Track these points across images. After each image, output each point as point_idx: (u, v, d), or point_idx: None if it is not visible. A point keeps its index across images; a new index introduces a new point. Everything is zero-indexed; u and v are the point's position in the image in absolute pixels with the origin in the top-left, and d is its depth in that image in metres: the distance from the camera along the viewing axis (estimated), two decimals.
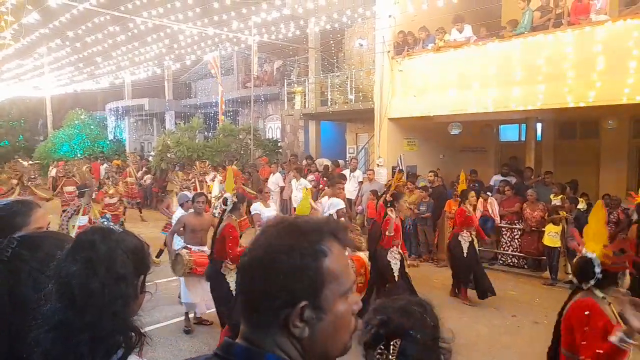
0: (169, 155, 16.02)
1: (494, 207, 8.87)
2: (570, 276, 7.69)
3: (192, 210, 6.26)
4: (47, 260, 1.26)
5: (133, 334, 1.21)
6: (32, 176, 9.81)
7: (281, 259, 0.93)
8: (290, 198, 11.63)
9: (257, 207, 7.11)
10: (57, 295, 1.14)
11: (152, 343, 4.56)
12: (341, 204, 5.59)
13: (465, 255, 6.82)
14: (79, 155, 21.22)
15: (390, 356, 1.28)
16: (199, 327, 5.74)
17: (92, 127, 24.12)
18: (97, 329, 1.13)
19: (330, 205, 5.61)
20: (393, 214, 5.74)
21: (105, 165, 17.97)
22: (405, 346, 1.28)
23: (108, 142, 24.55)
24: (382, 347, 1.29)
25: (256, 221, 6.89)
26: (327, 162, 13.73)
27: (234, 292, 4.45)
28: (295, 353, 0.95)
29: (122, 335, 1.18)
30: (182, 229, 6.04)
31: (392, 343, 1.28)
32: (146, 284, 1.37)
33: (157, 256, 8.45)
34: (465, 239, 6.87)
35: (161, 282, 7.38)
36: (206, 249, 5.89)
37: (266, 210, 6.97)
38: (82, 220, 7.26)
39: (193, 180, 9.77)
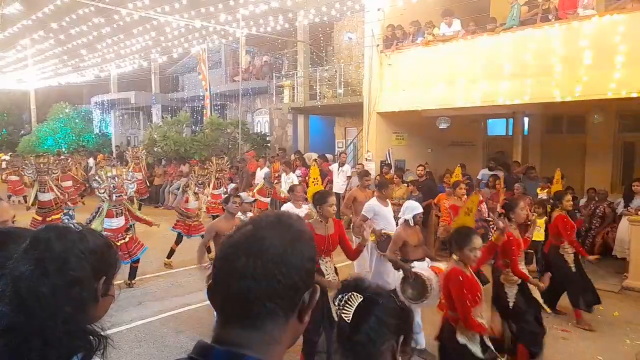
0: (155, 150, 15.86)
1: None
2: None
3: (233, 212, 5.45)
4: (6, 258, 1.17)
5: (93, 338, 1.14)
6: (49, 168, 8.88)
7: (301, 246, 0.97)
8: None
9: (288, 209, 6.22)
10: (8, 297, 1.06)
11: (138, 339, 4.49)
12: (419, 208, 4.91)
13: (573, 269, 5.78)
14: (63, 149, 20.89)
15: (347, 303, 1.32)
16: (186, 323, 5.69)
17: (77, 120, 23.75)
18: (48, 334, 1.05)
19: (406, 209, 4.93)
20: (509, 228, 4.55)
21: (91, 159, 17.73)
22: (368, 304, 1.32)
23: (93, 136, 24.21)
24: (343, 295, 1.35)
25: None
26: (315, 156, 13.69)
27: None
28: (289, 343, 0.98)
29: (77, 340, 1.10)
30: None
31: (353, 294, 1.34)
32: (112, 286, 1.29)
33: (169, 257, 8.02)
34: (568, 250, 5.80)
35: (148, 277, 7.31)
36: None
37: (298, 212, 6.10)
38: (113, 223, 6.49)
39: (209, 176, 9.23)
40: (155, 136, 15.88)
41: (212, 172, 9.91)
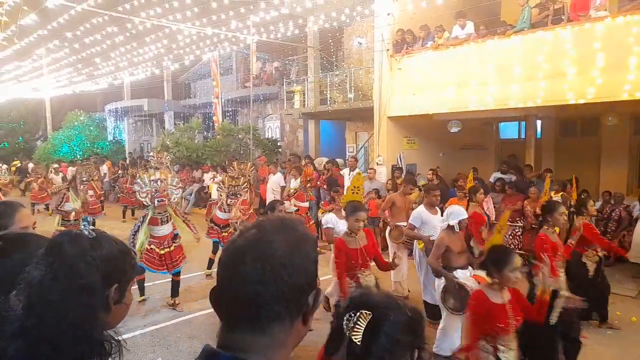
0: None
1: (489, 204, 8.81)
2: None
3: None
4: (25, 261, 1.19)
5: (105, 344, 1.14)
6: (84, 178, 8.71)
7: (307, 249, 0.98)
8: None
9: (330, 220, 5.89)
10: (21, 301, 1.08)
11: (152, 344, 4.49)
12: (463, 214, 4.66)
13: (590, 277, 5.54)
14: (78, 156, 21.21)
15: (357, 321, 1.24)
16: (199, 328, 5.72)
17: (91, 128, 24.12)
18: (57, 339, 1.06)
19: (451, 214, 4.63)
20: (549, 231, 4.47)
21: (104, 166, 17.95)
22: (378, 321, 1.25)
23: (107, 143, 24.54)
24: (352, 314, 1.26)
25: (329, 236, 5.79)
26: (326, 161, 13.70)
27: None
28: (293, 346, 0.98)
29: (87, 346, 1.10)
30: None
31: (363, 312, 1.26)
32: (127, 293, 1.28)
33: (209, 267, 7.82)
34: (591, 259, 5.57)
35: (161, 282, 7.36)
36: None
37: (340, 223, 5.75)
38: (159, 231, 6.14)
39: (243, 184, 8.87)
40: (168, 142, 16.04)
41: (245, 179, 9.47)
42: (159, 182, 6.24)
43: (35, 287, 1.09)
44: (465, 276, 4.35)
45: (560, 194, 8.44)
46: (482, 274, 4.21)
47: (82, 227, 1.25)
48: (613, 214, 8.66)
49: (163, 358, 4.94)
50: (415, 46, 10.92)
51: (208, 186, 14.81)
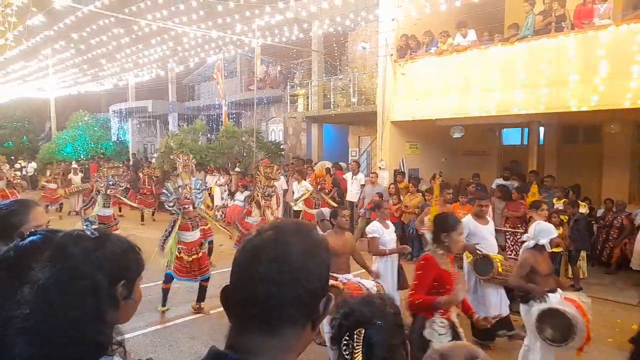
0: (171, 157, 16.05)
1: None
2: (572, 280, 7.69)
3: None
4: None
5: (107, 343, 1.16)
6: (111, 182, 8.19)
7: (322, 254, 0.99)
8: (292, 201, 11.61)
9: (375, 229, 5.52)
10: (29, 301, 1.10)
11: (153, 344, 4.51)
12: (554, 232, 4.15)
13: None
14: (82, 156, 21.30)
15: (355, 344, 1.27)
16: (200, 329, 5.75)
17: (95, 128, 24.23)
18: (56, 340, 1.08)
19: (540, 232, 4.09)
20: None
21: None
22: (370, 334, 1.28)
23: (111, 144, 24.64)
24: (347, 338, 1.30)
25: (373, 247, 5.46)
26: (329, 164, 13.73)
27: None
28: (300, 351, 0.98)
29: (86, 347, 1.11)
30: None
31: (355, 332, 1.29)
32: (135, 289, 1.30)
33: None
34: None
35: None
36: (351, 277, 4.66)
37: (386, 232, 5.56)
38: (188, 237, 6.07)
39: (274, 187, 8.47)
40: (172, 144, 16.11)
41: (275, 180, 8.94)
42: (180, 189, 6.09)
43: (39, 289, 1.11)
44: (557, 300, 3.85)
45: (562, 201, 8.45)
46: (572, 296, 3.93)
47: (85, 227, 1.27)
48: (615, 221, 8.66)
49: (164, 358, 4.97)
50: (418, 52, 10.96)
51: (211, 188, 14.86)
